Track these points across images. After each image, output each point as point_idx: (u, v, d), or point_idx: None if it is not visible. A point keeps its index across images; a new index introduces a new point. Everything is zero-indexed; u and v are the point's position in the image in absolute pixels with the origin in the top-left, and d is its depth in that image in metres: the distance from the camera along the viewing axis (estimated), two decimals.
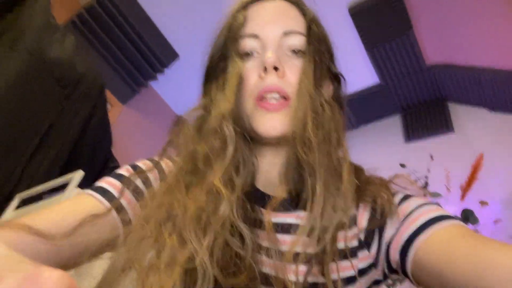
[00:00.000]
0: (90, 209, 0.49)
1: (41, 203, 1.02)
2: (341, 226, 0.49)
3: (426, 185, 2.02)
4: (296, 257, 0.47)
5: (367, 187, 0.55)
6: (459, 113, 2.89)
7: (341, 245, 0.50)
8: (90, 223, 0.47)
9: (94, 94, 1.50)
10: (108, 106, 2.27)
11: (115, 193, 0.53)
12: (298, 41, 0.58)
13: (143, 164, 0.59)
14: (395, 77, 2.87)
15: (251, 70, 0.58)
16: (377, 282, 0.54)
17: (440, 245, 0.44)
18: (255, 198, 0.55)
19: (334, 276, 0.47)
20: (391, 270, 0.52)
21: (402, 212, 0.51)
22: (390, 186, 0.56)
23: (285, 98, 0.56)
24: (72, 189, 0.97)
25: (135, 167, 0.58)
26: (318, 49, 0.58)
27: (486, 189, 2.25)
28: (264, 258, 0.49)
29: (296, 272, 0.47)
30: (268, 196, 0.56)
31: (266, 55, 0.56)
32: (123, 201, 0.53)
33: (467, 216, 1.91)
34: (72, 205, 0.50)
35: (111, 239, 0.50)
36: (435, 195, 1.96)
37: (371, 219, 0.54)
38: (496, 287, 0.37)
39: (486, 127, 2.67)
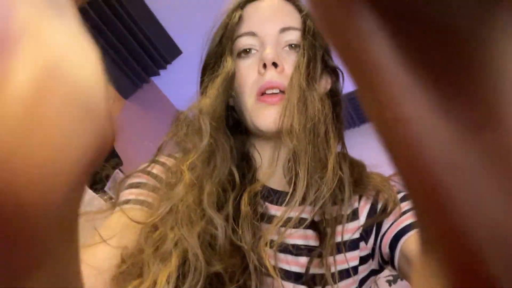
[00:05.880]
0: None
1: None
2: (335, 219, 0.51)
3: None
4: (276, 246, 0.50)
5: (368, 182, 0.57)
6: None
7: (338, 238, 0.52)
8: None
9: None
10: (110, 101, 2.27)
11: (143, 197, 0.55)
12: (295, 36, 0.59)
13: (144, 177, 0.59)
14: None
15: (250, 67, 0.59)
16: (374, 272, 0.56)
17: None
18: (254, 192, 0.56)
19: (332, 268, 0.50)
20: (384, 261, 0.54)
21: (400, 209, 0.53)
22: (390, 183, 0.57)
23: (283, 92, 0.57)
24: None
25: (148, 173, 0.59)
26: (312, 43, 0.58)
27: None
28: (268, 249, 0.51)
29: (290, 262, 0.50)
30: (271, 189, 0.59)
31: (264, 52, 0.57)
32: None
33: None
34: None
35: None
36: None
37: (371, 213, 0.55)
38: None
39: None
